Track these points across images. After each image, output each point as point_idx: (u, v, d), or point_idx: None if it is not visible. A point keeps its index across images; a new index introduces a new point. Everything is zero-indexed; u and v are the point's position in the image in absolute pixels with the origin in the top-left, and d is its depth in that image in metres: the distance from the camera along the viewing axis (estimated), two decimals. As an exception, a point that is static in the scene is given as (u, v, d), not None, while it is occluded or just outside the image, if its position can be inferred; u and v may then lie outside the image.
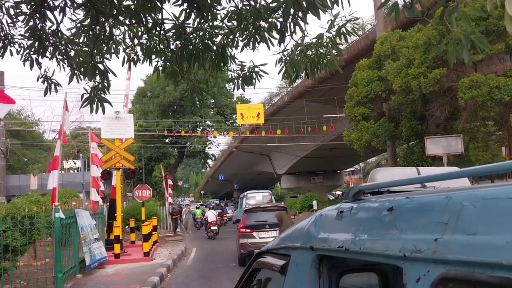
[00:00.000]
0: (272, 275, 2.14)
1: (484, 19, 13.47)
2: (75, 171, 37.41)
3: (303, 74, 4.26)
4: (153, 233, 16.73)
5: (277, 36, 4.10)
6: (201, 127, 42.07)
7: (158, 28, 4.41)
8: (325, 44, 4.13)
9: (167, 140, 41.69)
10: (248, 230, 14.09)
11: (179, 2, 4.09)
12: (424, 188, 1.79)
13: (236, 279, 2.69)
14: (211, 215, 23.70)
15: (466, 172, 1.25)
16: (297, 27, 3.90)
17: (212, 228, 22.99)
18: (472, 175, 1.27)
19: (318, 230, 1.72)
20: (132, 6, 4.25)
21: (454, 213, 1.07)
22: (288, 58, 4.16)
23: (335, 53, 4.19)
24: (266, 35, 4.19)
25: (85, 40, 4.54)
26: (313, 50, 4.15)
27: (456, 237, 1.03)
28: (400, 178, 1.53)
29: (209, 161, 59.81)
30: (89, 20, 4.37)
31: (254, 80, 4.49)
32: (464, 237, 1.00)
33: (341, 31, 4.01)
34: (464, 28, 3.27)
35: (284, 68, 4.20)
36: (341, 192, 52.78)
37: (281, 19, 4.00)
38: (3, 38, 4.53)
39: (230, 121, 43.05)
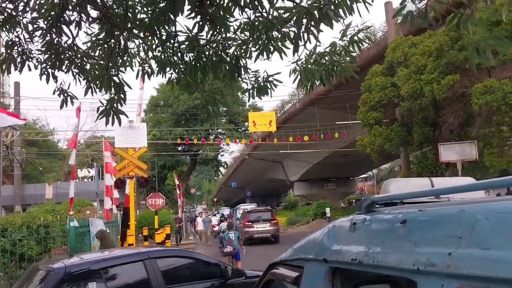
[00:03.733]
0: (285, 287, 2.14)
1: (497, 24, 13.36)
2: (89, 179, 37.75)
3: (318, 82, 4.24)
4: (167, 241, 16.76)
5: (291, 46, 4.11)
6: (213, 135, 42.13)
7: (172, 41, 4.45)
8: (338, 52, 4.13)
9: (179, 148, 41.81)
10: (250, 223, 23.68)
11: (192, 15, 4.13)
12: (438, 199, 1.79)
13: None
14: (214, 220, 31.74)
15: (480, 185, 1.25)
16: (311, 36, 3.90)
17: (215, 229, 28.89)
18: (485, 188, 1.26)
19: (331, 242, 1.71)
20: (146, 20, 4.31)
21: (468, 226, 1.06)
22: (302, 67, 4.16)
23: (349, 60, 4.19)
24: (280, 44, 4.20)
25: (100, 53, 4.62)
26: (327, 57, 4.14)
27: (470, 251, 1.02)
28: (413, 190, 1.53)
29: (222, 169, 59.68)
30: (104, 33, 4.44)
31: (268, 90, 4.51)
32: (478, 252, 0.99)
33: (354, 39, 4.02)
34: (482, 34, 3.24)
35: (298, 78, 4.20)
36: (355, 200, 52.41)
37: (294, 29, 4.00)
38: (21, 53, 4.62)
39: (242, 129, 43.02)
